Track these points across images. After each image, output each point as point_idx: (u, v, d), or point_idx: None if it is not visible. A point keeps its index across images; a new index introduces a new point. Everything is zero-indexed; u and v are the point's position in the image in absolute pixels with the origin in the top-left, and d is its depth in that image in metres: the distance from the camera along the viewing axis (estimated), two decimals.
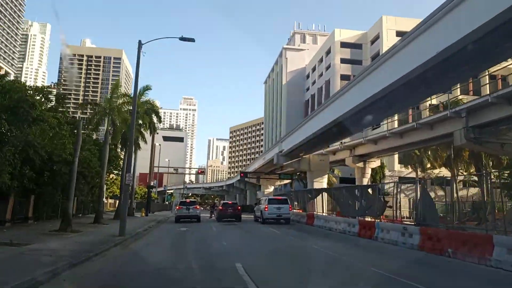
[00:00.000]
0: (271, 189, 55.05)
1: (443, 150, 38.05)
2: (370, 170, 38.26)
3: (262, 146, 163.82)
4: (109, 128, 23.55)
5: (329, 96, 65.68)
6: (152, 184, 37.94)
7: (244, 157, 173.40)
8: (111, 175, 41.15)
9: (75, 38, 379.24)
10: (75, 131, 17.73)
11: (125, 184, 17.10)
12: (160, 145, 76.71)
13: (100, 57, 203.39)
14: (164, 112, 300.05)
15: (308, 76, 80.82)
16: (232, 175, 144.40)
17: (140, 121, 31.75)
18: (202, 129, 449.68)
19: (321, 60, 72.36)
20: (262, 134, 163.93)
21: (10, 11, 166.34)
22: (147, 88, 33.35)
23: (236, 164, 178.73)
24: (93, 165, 20.52)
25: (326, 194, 27.45)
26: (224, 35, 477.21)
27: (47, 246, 11.56)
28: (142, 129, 33.07)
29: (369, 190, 18.79)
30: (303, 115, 78.55)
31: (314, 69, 76.44)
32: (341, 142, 38.19)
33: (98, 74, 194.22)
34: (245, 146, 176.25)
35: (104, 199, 52.62)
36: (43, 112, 15.98)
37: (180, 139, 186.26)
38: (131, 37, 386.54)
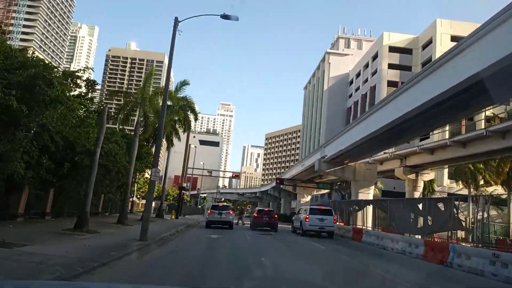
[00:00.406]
0: (308, 198, 51.76)
1: (505, 164, 33.62)
2: (422, 183, 34.35)
3: (298, 154, 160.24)
4: (140, 120, 21.57)
5: (373, 104, 61.87)
6: (184, 185, 35.89)
7: (279, 165, 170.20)
8: (145, 175, 39.72)
9: (122, 40, 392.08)
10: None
11: (150, 181, 14.80)
12: (195, 147, 75.48)
13: (143, 60, 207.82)
14: (202, 117, 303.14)
15: (351, 82, 77.09)
16: (265, 182, 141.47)
17: (176, 117, 29.80)
18: (238, 135, 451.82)
19: (366, 65, 68.56)
20: (298, 142, 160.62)
21: (60, 11, 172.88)
22: (184, 83, 31.46)
23: (270, 171, 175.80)
24: (119, 158, 18.48)
25: (375, 207, 24.06)
26: (265, 38, 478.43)
27: (46, 249, 9.29)
28: (177, 126, 31.13)
29: (439, 205, 15.44)
30: (345, 122, 74.82)
31: (358, 75, 72.68)
32: (391, 152, 34.60)
33: (140, 77, 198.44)
34: (280, 154, 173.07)
35: (135, 198, 51.59)
36: (64, 93, 13.92)
37: (216, 144, 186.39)
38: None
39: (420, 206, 16.96)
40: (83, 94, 20.45)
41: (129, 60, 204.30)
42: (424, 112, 18.59)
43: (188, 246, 14.85)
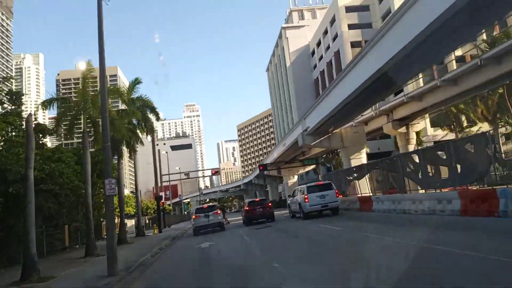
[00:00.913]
0: (295, 179, 48.86)
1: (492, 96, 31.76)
2: (414, 134, 31.98)
3: (273, 139, 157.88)
4: (87, 130, 17.76)
5: (341, 69, 59.40)
6: (161, 194, 32.07)
7: (257, 153, 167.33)
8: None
9: (70, 61, 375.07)
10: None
11: (106, 196, 11.21)
12: (166, 152, 71.16)
13: (95, 77, 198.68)
14: (169, 123, 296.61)
15: (313, 53, 74.47)
16: (247, 173, 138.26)
17: (133, 119, 26.00)
18: (209, 135, 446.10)
19: (326, 32, 65.95)
20: (271, 127, 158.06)
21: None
22: (136, 81, 27.71)
23: (249, 161, 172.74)
24: (67, 179, 14.73)
25: (381, 168, 21.19)
26: (216, 30, 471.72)
27: None
28: (137, 130, 27.26)
29: (467, 147, 12.58)
30: (314, 95, 72.29)
31: (319, 44, 70.06)
32: (375, 109, 31.99)
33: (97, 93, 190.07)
34: (255, 142, 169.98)
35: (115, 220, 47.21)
36: None
37: (188, 146, 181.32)
38: (122, 51, 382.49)
39: (447, 152, 14.07)
40: (9, 110, 16.40)
41: (81, 81, 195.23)
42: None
43: (174, 269, 11.36)
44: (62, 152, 17.76)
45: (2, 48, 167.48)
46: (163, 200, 35.80)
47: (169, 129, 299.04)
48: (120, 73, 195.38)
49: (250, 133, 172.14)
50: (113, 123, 18.23)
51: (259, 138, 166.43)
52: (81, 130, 17.64)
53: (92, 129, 18.48)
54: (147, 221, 47.98)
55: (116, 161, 23.89)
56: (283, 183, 50.19)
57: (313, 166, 50.01)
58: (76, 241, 23.61)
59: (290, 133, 36.16)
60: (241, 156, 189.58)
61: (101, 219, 25.94)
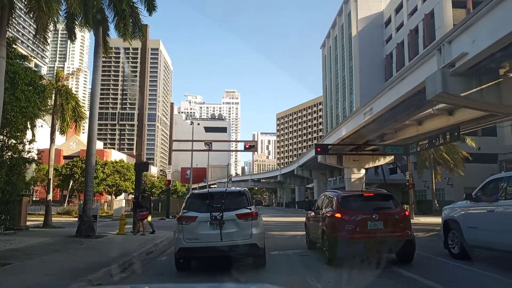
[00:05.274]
0: (361, 173, 34.60)
1: None
2: None
3: (316, 132, 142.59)
4: None
5: (431, 38, 44.21)
6: (146, 161, 18.24)
7: (295, 145, 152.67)
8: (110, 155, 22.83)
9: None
10: None
11: None
12: (192, 123, 58.55)
13: (137, 48, 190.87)
14: (207, 107, 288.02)
15: (388, 23, 59.25)
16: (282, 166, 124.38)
17: None
18: (246, 124, 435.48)
19: None
20: (315, 119, 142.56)
21: None
22: None
23: (285, 154, 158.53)
24: None
25: None
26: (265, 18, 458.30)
27: None
28: None
29: None
30: (384, 76, 57.31)
31: (399, 9, 54.86)
32: None
33: (136, 67, 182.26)
34: (295, 134, 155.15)
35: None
36: None
37: (223, 130, 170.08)
38: (168, 27, 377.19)
39: None
40: None
41: (122, 51, 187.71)
42: None
43: None
44: None
45: None
46: (152, 172, 22.43)
47: (207, 113, 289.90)
48: (162, 47, 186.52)
49: (291, 123, 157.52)
50: None
51: (299, 130, 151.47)
52: None
53: None
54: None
55: None
56: (345, 177, 35.73)
57: (389, 159, 35.58)
58: None
59: (395, 81, 19.54)
60: (277, 148, 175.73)
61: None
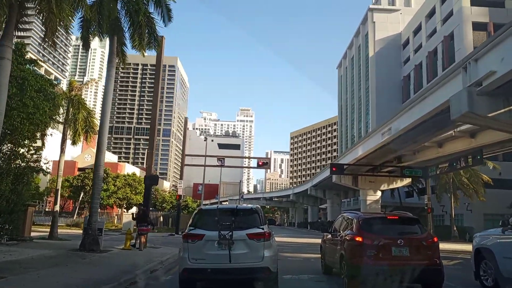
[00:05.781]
0: (377, 195, 33.56)
1: None
2: None
3: (330, 152, 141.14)
4: None
5: (450, 60, 43.51)
6: (155, 174, 18.11)
7: (308, 165, 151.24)
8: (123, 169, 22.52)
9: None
10: None
11: None
12: (206, 139, 58.40)
13: (154, 65, 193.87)
14: (222, 124, 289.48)
15: (406, 44, 58.77)
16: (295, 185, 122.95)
17: None
18: (259, 142, 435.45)
19: (431, 14, 50.26)
20: (329, 139, 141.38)
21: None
22: None
23: (298, 173, 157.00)
24: None
25: None
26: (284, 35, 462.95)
27: None
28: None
29: None
30: (402, 97, 56.49)
31: (417, 31, 54.40)
32: None
33: (152, 82, 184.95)
34: (308, 153, 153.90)
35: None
36: None
37: (237, 147, 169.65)
38: (185, 45, 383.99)
39: None
40: None
41: (140, 66, 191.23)
42: None
43: None
44: None
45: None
46: (164, 187, 22.00)
47: (221, 130, 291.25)
48: (179, 64, 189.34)
49: (304, 142, 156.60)
50: None
51: (313, 150, 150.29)
52: None
53: None
54: (161, 219, 34.86)
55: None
56: (360, 199, 34.77)
57: (406, 181, 34.48)
58: None
59: (417, 100, 18.61)
60: (290, 167, 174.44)
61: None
